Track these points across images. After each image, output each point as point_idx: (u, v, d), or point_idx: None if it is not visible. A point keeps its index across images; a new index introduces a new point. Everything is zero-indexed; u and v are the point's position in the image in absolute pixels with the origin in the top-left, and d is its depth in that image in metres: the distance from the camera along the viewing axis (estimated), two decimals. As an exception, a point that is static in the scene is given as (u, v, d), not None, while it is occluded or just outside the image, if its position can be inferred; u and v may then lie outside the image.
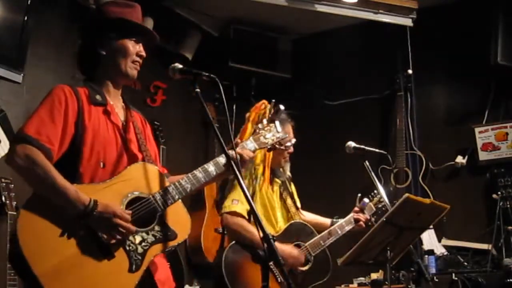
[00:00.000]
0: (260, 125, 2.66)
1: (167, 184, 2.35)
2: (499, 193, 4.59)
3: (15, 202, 3.48)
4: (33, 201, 2.15)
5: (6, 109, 3.79)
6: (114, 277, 2.15)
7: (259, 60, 5.59)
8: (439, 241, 4.64)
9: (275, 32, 5.68)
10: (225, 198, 3.25)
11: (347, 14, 5.03)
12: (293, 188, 3.61)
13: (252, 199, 3.17)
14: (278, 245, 3.04)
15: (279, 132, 2.66)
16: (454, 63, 5.16)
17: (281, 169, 3.48)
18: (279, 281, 3.13)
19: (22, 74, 3.89)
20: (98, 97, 2.37)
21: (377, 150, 3.76)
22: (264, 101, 3.37)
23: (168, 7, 4.91)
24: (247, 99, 5.86)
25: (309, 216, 3.61)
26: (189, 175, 2.39)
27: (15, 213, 3.43)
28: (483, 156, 4.90)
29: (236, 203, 3.19)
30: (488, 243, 4.42)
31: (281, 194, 3.47)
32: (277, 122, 2.67)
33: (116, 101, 2.46)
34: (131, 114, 2.50)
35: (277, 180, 3.45)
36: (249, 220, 3.21)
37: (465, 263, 4.36)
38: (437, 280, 4.04)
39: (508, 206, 4.52)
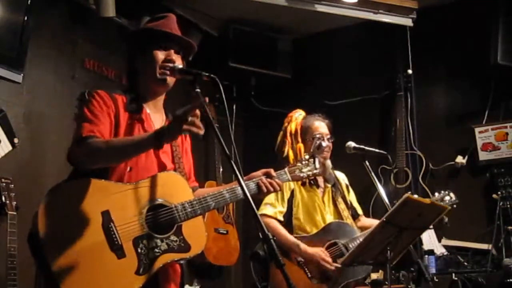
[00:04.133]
0: (298, 158, 2.79)
1: (192, 197, 2.39)
2: (499, 193, 4.59)
3: (15, 202, 3.48)
4: (59, 188, 2.23)
5: (6, 109, 3.78)
6: (120, 275, 2.18)
7: (259, 60, 5.58)
8: (439, 241, 4.64)
9: (275, 32, 5.68)
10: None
11: (347, 14, 5.03)
12: (351, 196, 3.70)
13: (293, 198, 3.43)
14: (304, 246, 3.29)
15: (316, 168, 2.72)
16: (454, 63, 5.16)
17: (331, 173, 3.56)
18: (309, 276, 3.25)
19: (22, 74, 3.89)
20: (133, 105, 2.44)
21: (377, 150, 3.76)
22: (296, 110, 3.56)
23: (168, 7, 4.91)
24: (247, 99, 5.87)
25: (368, 221, 3.67)
26: (216, 193, 2.42)
27: (15, 213, 3.43)
28: (483, 156, 4.90)
29: (268, 206, 3.40)
30: (488, 243, 4.42)
31: (333, 198, 3.55)
32: (317, 159, 2.74)
33: (155, 112, 2.53)
34: None
35: (327, 184, 3.57)
36: (281, 222, 3.41)
37: (465, 263, 4.36)
38: (437, 280, 4.04)
39: (508, 206, 4.52)
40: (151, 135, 2.20)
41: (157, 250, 2.26)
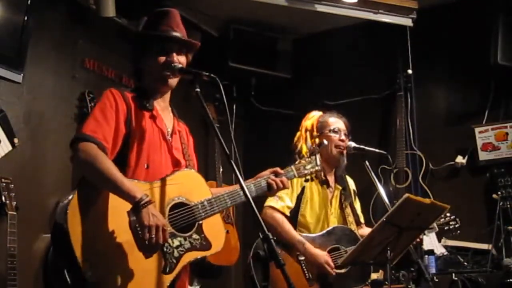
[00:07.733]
0: (302, 155, 2.87)
1: (210, 195, 2.45)
2: (499, 193, 4.59)
3: (15, 202, 3.48)
4: (87, 186, 2.23)
5: (6, 109, 3.78)
6: (149, 275, 2.22)
7: (259, 60, 5.58)
8: (439, 241, 4.64)
9: (275, 32, 5.67)
10: None
11: (347, 14, 5.03)
12: (357, 204, 3.70)
13: (303, 194, 3.40)
14: (309, 246, 3.27)
15: (317, 165, 2.83)
16: (454, 63, 5.16)
17: (344, 175, 3.60)
18: (307, 277, 3.23)
19: (22, 74, 3.89)
20: (145, 102, 2.48)
21: (377, 150, 3.76)
22: (314, 111, 3.60)
23: (168, 7, 4.90)
24: (247, 99, 5.87)
25: (368, 231, 3.66)
26: (232, 191, 2.49)
27: (15, 213, 3.43)
28: (483, 156, 4.90)
29: (277, 199, 3.36)
30: (488, 243, 4.43)
31: (341, 201, 3.56)
32: (318, 156, 2.83)
33: (163, 109, 2.57)
34: (178, 124, 2.63)
35: (338, 186, 3.57)
36: (287, 217, 3.38)
37: (465, 263, 4.36)
38: (437, 280, 4.04)
39: (508, 206, 4.52)
40: (132, 198, 2.18)
41: (181, 249, 2.30)
